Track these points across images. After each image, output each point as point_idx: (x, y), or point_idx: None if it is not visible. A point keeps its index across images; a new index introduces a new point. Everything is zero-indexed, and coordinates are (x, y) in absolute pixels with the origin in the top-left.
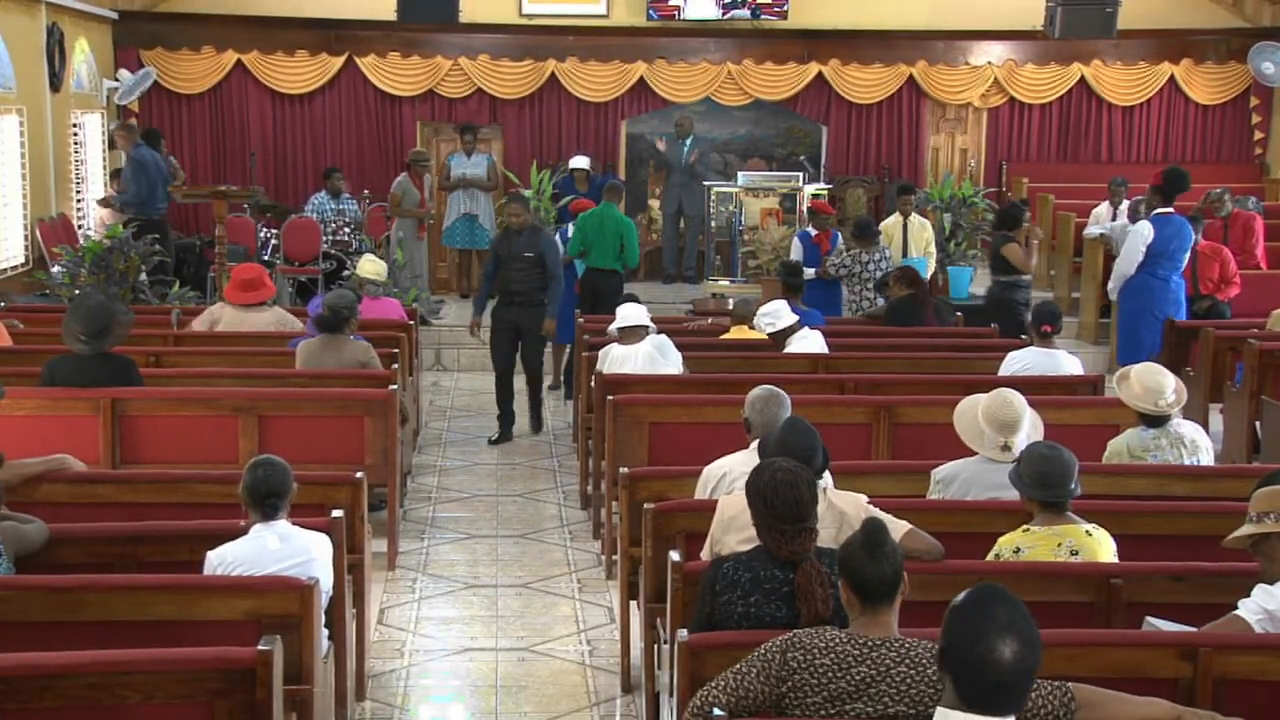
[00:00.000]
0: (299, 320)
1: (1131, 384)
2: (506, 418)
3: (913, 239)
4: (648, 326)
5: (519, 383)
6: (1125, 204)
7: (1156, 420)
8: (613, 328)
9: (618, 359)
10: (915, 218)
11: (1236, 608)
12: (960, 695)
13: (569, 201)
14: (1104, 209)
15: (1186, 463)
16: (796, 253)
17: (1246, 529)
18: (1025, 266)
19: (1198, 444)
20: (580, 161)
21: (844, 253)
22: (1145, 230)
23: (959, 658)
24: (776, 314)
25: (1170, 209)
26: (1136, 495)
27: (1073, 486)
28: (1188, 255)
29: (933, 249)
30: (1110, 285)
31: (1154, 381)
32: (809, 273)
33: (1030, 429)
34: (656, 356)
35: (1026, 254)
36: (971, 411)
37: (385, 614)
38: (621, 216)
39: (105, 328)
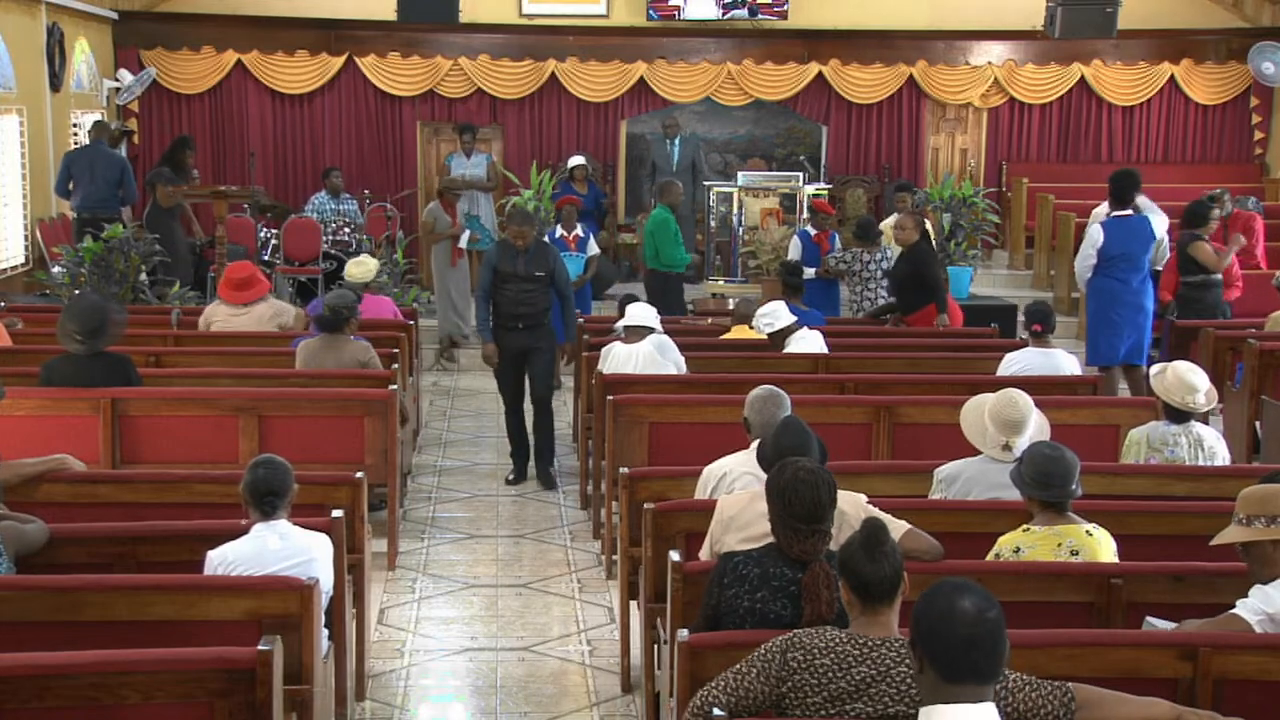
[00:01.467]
0: (291, 308)
1: (1167, 376)
2: (521, 453)
3: None
4: (653, 328)
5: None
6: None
7: (1181, 416)
8: (619, 325)
9: (619, 358)
10: None
11: (1234, 607)
12: (938, 672)
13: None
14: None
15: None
16: (795, 252)
17: (1236, 531)
18: (1216, 265)
19: (1215, 451)
20: (577, 159)
21: (846, 250)
22: (1095, 234)
23: (927, 630)
24: (775, 315)
25: (1127, 211)
26: (1136, 495)
27: (1074, 487)
28: (1154, 254)
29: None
30: (1078, 286)
31: (1189, 379)
32: (809, 272)
33: (1036, 431)
34: (656, 356)
35: (1219, 252)
36: (978, 410)
37: (385, 614)
38: (656, 216)
39: (100, 326)
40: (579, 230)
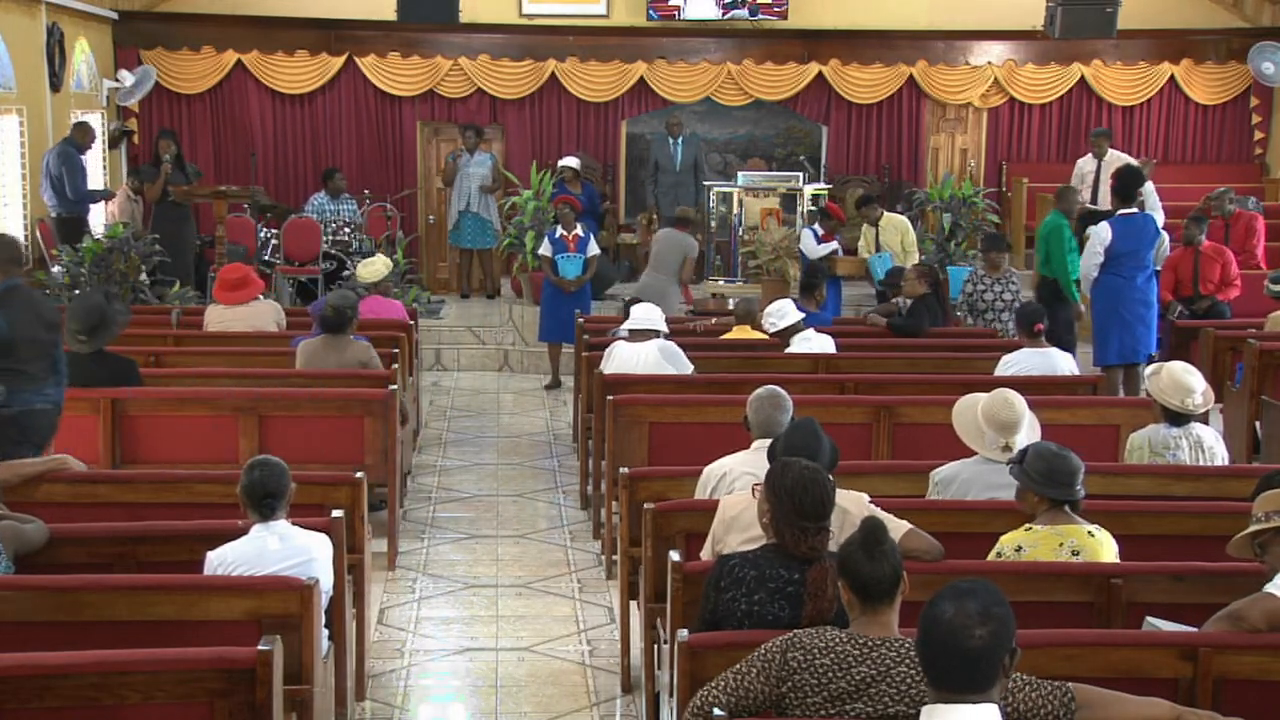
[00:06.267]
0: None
1: (1162, 378)
2: None
3: (886, 243)
4: (658, 330)
5: None
6: (1111, 153)
7: (1180, 419)
8: (623, 328)
9: (623, 357)
10: (886, 219)
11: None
12: (929, 677)
13: (555, 197)
14: (1087, 162)
15: None
16: (808, 241)
17: (1251, 528)
18: None
19: (1215, 452)
20: (569, 161)
21: (972, 281)
22: (1104, 233)
23: (918, 631)
24: (780, 313)
25: (1132, 209)
26: (1137, 495)
27: (1078, 489)
28: (1156, 253)
29: (911, 246)
30: (1082, 288)
31: (1184, 380)
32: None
33: (1029, 431)
34: (663, 362)
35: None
36: (970, 411)
37: (385, 614)
38: (1051, 222)
39: (100, 325)
40: (579, 230)
